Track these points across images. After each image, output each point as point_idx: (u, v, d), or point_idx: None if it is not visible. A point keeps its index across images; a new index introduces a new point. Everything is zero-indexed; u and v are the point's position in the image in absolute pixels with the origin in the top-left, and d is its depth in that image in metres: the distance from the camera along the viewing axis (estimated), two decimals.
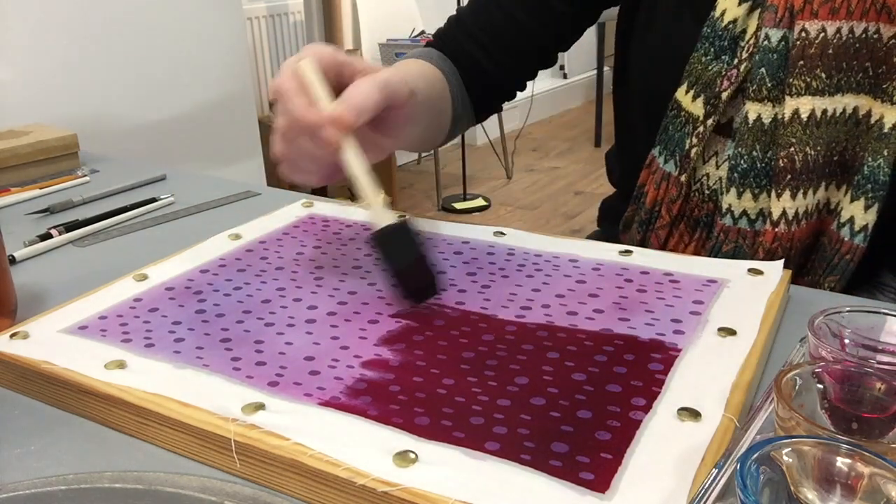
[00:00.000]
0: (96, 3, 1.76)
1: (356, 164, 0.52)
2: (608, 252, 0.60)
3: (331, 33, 2.81)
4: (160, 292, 0.55)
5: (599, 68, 3.75)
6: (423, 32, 3.02)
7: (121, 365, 0.45)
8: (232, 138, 2.18)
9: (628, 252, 0.59)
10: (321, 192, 2.83)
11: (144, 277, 0.58)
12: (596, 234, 0.88)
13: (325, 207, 0.73)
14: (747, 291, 0.52)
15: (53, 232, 0.72)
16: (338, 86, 0.53)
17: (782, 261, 0.56)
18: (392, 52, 2.91)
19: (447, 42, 0.78)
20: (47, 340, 0.49)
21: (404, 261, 0.51)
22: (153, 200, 0.81)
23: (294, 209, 0.72)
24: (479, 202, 3.07)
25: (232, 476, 0.39)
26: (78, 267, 0.67)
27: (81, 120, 1.69)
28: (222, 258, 0.61)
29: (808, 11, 0.59)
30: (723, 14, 0.63)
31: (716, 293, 0.52)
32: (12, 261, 0.67)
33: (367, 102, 0.51)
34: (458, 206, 3.04)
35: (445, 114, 0.75)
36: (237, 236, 0.65)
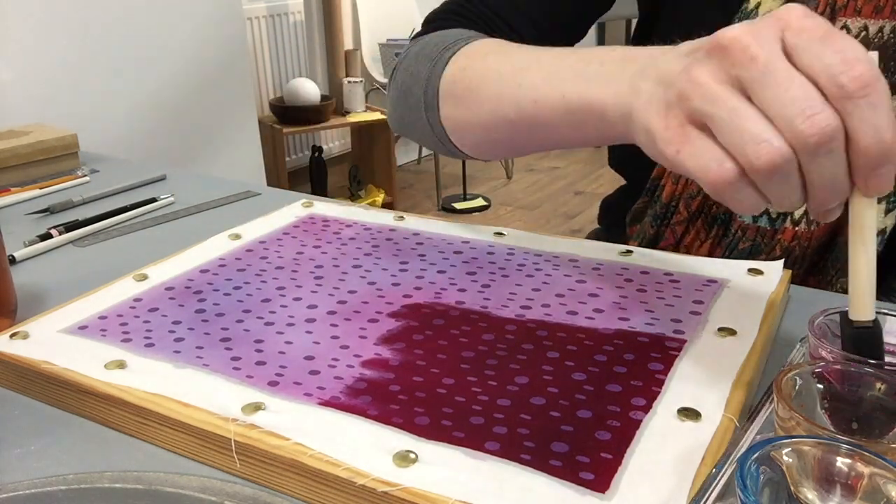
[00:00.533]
0: (96, 3, 1.76)
1: (871, 222, 0.36)
2: (608, 252, 0.60)
3: (331, 33, 2.81)
4: (160, 292, 0.56)
5: None
6: None
7: (121, 365, 0.45)
8: (232, 138, 2.18)
9: (628, 252, 0.60)
10: (321, 192, 2.83)
11: (144, 277, 0.58)
12: (596, 234, 0.88)
13: (325, 207, 0.73)
14: (747, 291, 0.52)
15: (53, 232, 0.72)
16: None
17: (782, 261, 0.56)
18: (392, 52, 2.91)
19: (471, 18, 0.69)
20: (47, 340, 0.49)
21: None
22: (153, 200, 0.81)
23: (294, 209, 0.72)
24: (479, 202, 3.07)
25: (232, 476, 0.39)
26: (78, 267, 0.67)
27: (81, 120, 1.69)
28: (222, 258, 0.61)
29: (851, 8, 0.57)
30: (758, 6, 0.61)
31: (716, 293, 0.52)
32: (12, 261, 0.67)
33: None
34: (458, 206, 3.04)
35: None
36: (237, 236, 0.65)
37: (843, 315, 0.38)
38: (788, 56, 0.34)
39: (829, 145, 0.32)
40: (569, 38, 0.74)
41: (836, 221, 0.63)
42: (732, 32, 0.35)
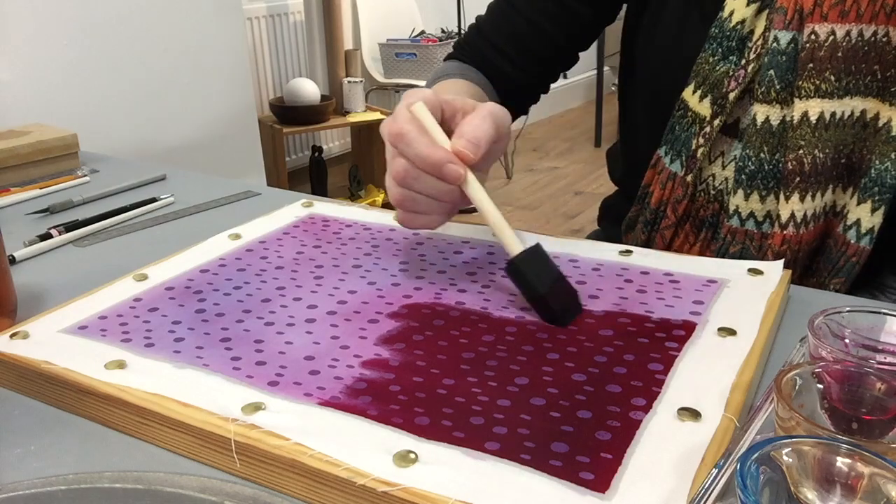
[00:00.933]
0: (96, 4, 1.76)
1: (482, 195, 0.53)
2: (608, 252, 0.60)
3: (331, 33, 2.81)
4: (160, 292, 0.56)
5: (599, 68, 3.74)
6: (423, 32, 3.02)
7: (121, 365, 0.45)
8: (232, 138, 2.18)
9: (628, 252, 0.60)
10: (321, 192, 2.83)
11: (144, 277, 0.58)
12: (596, 234, 0.88)
13: (325, 207, 0.73)
14: (747, 291, 0.52)
15: (53, 232, 0.72)
16: (442, 125, 0.55)
17: (782, 261, 0.56)
18: (392, 52, 2.91)
19: (471, 53, 0.80)
20: (47, 340, 0.49)
21: (545, 285, 0.50)
22: (153, 200, 0.81)
23: (294, 209, 0.72)
24: None
25: (232, 476, 0.39)
26: (78, 267, 0.67)
27: (81, 120, 1.69)
28: (222, 258, 0.61)
29: (817, 14, 0.59)
30: (731, 15, 0.63)
31: (716, 293, 0.52)
32: (12, 261, 0.67)
33: (484, 135, 0.53)
34: None
35: None
36: (237, 236, 0.65)
37: (511, 262, 0.52)
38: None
39: (406, 177, 0.52)
40: (565, 64, 0.81)
41: (824, 225, 0.63)
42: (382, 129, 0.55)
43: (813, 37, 0.59)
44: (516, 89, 0.80)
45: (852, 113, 0.60)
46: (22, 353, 0.47)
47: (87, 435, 0.43)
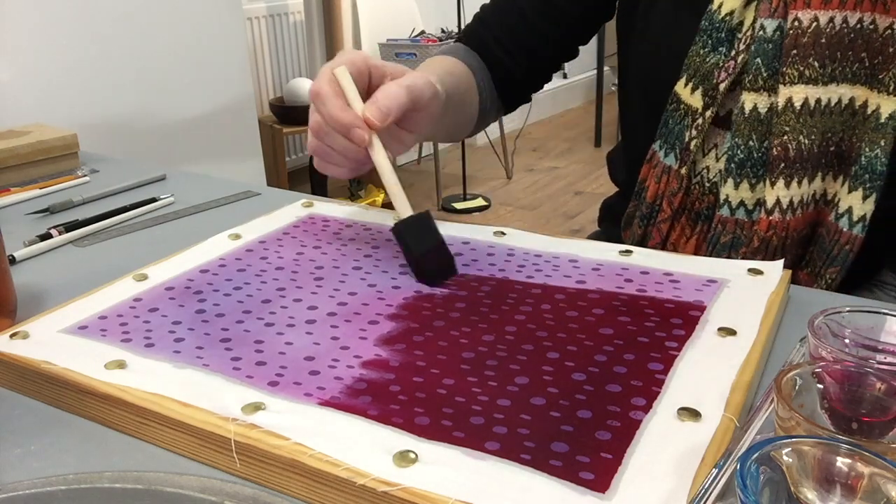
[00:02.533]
0: (96, 4, 1.76)
1: (382, 160, 0.58)
2: (608, 252, 0.60)
3: (331, 33, 2.81)
4: (160, 292, 0.55)
5: (599, 68, 3.74)
6: (423, 32, 3.02)
7: (121, 365, 0.45)
8: (232, 138, 2.18)
9: (628, 252, 0.60)
10: (321, 192, 2.83)
11: (144, 277, 0.58)
12: (596, 235, 0.88)
13: (325, 207, 0.73)
14: (747, 291, 0.52)
15: (53, 232, 0.72)
16: (369, 88, 0.60)
17: (782, 261, 0.56)
18: (392, 52, 2.91)
19: (472, 39, 0.82)
20: (47, 340, 0.49)
21: (425, 246, 0.56)
22: (153, 200, 0.81)
23: (294, 209, 0.72)
24: (479, 202, 3.07)
25: (232, 476, 0.39)
26: (78, 267, 0.67)
27: (81, 120, 1.69)
28: (222, 258, 0.61)
29: (801, 1, 0.59)
30: (720, 6, 0.64)
31: (716, 293, 0.52)
32: (12, 261, 0.67)
33: (394, 104, 0.57)
34: (458, 206, 3.04)
35: (472, 107, 0.79)
36: (237, 236, 0.65)
37: (396, 224, 0.58)
38: None
39: (318, 131, 0.59)
40: (562, 58, 0.83)
41: (814, 214, 0.63)
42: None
43: (796, 23, 0.59)
44: (511, 82, 0.82)
45: (840, 100, 0.60)
46: (22, 353, 0.47)
47: (87, 435, 0.43)
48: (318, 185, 2.86)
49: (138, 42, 1.87)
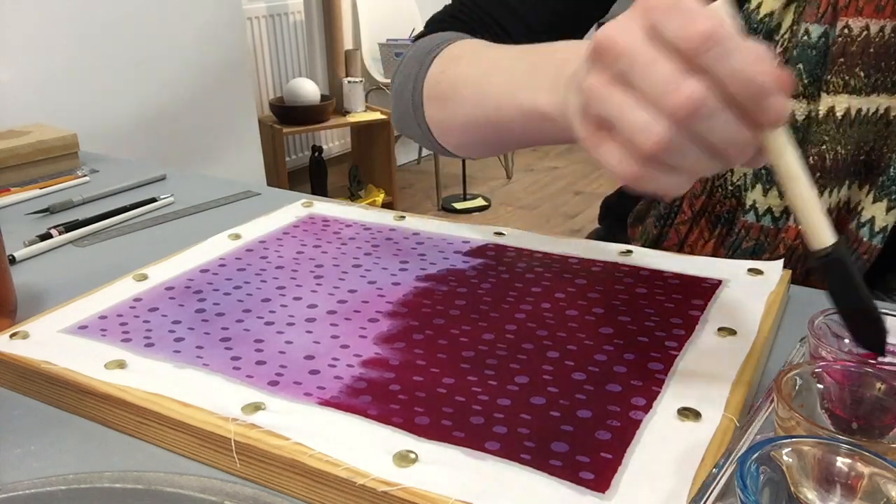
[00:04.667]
0: (96, 4, 1.76)
1: (791, 155, 0.36)
2: (608, 252, 0.60)
3: (331, 33, 2.81)
4: (160, 292, 0.55)
5: None
6: None
7: (121, 365, 0.45)
8: (232, 138, 2.18)
9: (628, 252, 0.59)
10: (321, 192, 2.83)
11: (144, 277, 0.58)
12: (597, 232, 0.88)
13: (325, 207, 0.73)
14: (747, 291, 0.52)
15: (53, 232, 0.72)
16: None
17: (781, 261, 0.56)
18: (392, 51, 2.91)
19: (469, 21, 0.71)
20: (47, 340, 0.49)
21: (857, 299, 0.38)
22: (153, 200, 0.81)
23: (294, 209, 0.72)
24: (479, 202, 3.07)
25: (232, 476, 0.39)
26: (78, 267, 0.67)
27: (81, 120, 1.69)
28: (222, 258, 0.61)
29: (853, 8, 0.58)
30: (759, 6, 0.62)
31: (716, 293, 0.52)
32: (12, 261, 0.67)
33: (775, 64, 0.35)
34: (458, 206, 3.04)
35: None
36: (237, 236, 0.65)
37: (823, 258, 0.36)
38: (654, 38, 0.34)
39: (700, 110, 0.33)
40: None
41: (837, 222, 0.63)
42: (602, 33, 0.36)
43: (846, 31, 0.58)
44: None
45: (877, 110, 0.59)
46: (22, 353, 0.47)
47: (87, 435, 0.43)
48: (318, 185, 2.86)
49: (138, 42, 1.87)
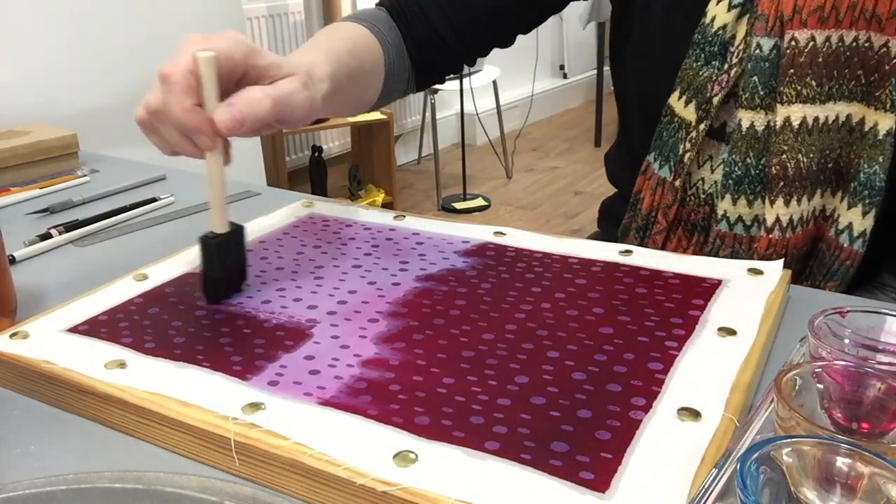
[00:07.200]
0: (96, 4, 1.76)
1: (216, 171, 0.53)
2: (608, 252, 0.60)
3: None
4: (160, 292, 0.55)
5: (599, 68, 3.74)
6: None
7: (121, 365, 0.45)
8: (232, 138, 2.18)
9: (628, 252, 0.60)
10: (321, 192, 2.83)
11: (144, 277, 0.58)
12: (596, 235, 0.88)
13: (325, 207, 0.73)
14: (747, 291, 0.52)
15: (53, 232, 0.72)
16: (241, 84, 0.52)
17: (782, 260, 0.56)
18: None
19: (405, 5, 0.75)
20: (47, 340, 0.49)
21: (220, 270, 0.54)
22: (153, 200, 0.81)
23: (294, 209, 0.72)
24: (479, 202, 3.07)
25: (232, 476, 0.39)
26: (78, 267, 0.67)
27: (81, 120, 1.69)
28: None
29: (797, 20, 0.59)
30: (713, 20, 0.63)
31: (716, 293, 0.52)
32: (12, 261, 0.67)
33: (251, 114, 0.50)
34: (458, 206, 3.04)
35: (371, 88, 0.73)
36: None
37: (205, 237, 0.54)
38: (161, 79, 0.52)
39: (151, 119, 0.51)
40: (494, 43, 0.77)
41: (814, 230, 0.63)
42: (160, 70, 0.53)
43: (793, 43, 0.59)
44: (442, 53, 0.76)
45: (837, 117, 0.60)
46: (22, 353, 0.47)
47: (87, 435, 0.43)
48: (318, 185, 2.86)
49: (138, 42, 1.86)
